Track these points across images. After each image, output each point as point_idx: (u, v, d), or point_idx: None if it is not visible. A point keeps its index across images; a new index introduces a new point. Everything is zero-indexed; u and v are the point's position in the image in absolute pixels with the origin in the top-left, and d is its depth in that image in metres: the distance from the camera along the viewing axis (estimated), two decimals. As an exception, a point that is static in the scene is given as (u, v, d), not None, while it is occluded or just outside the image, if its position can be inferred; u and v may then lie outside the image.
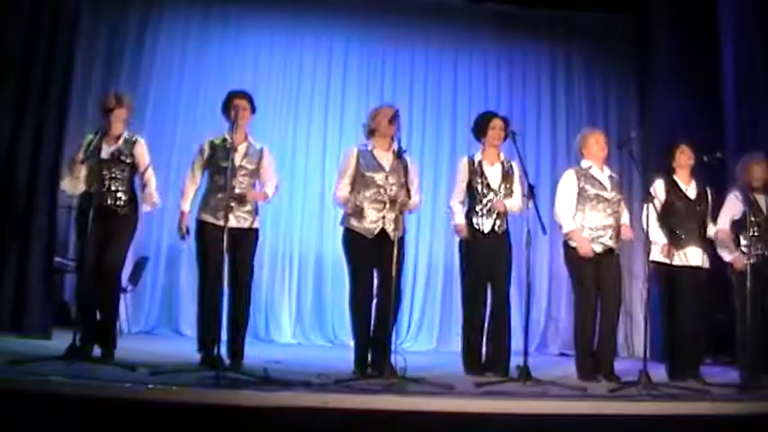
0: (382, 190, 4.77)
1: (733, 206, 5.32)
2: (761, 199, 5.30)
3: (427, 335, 8.03)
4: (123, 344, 5.35)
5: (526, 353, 4.42)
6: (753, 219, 5.22)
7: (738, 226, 5.31)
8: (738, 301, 5.16)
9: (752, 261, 5.04)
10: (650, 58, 8.08)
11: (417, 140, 8.25)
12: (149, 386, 3.32)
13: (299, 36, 8.35)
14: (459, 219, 5.15)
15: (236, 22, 8.27)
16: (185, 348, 5.83)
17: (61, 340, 4.64)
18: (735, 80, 6.87)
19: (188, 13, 8.29)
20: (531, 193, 4.61)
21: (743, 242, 5.25)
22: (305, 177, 8.14)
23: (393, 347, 4.08)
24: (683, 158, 5.37)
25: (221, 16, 8.26)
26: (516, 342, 5.85)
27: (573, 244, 5.05)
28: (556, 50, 8.81)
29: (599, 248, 5.01)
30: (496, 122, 5.21)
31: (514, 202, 5.19)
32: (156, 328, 7.63)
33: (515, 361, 4.49)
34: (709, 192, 5.43)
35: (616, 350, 5.28)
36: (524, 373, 4.26)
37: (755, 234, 5.18)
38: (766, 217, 5.23)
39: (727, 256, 5.30)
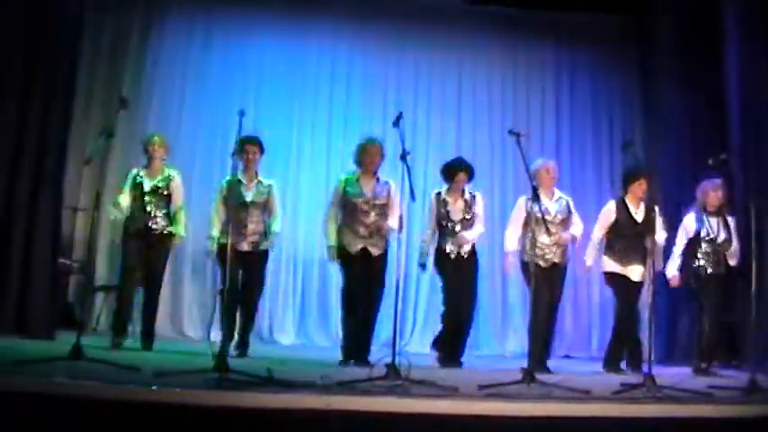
0: (364, 213, 5.58)
1: (689, 223, 6.07)
2: (713, 221, 6.00)
3: (431, 337, 8.00)
4: (127, 345, 5.36)
5: (530, 355, 4.43)
6: (704, 238, 5.98)
7: (692, 244, 6.04)
8: (696, 305, 6.07)
9: (703, 273, 5.96)
10: (653, 58, 8.07)
11: (422, 144, 8.25)
12: (153, 387, 3.31)
13: (303, 40, 8.36)
14: (426, 253, 5.99)
15: (240, 26, 8.28)
16: (189, 350, 5.86)
17: (65, 341, 4.65)
18: (738, 80, 6.86)
19: (191, 16, 8.31)
20: (535, 194, 4.71)
21: (697, 258, 6.00)
22: (309, 181, 8.14)
23: (398, 349, 4.09)
24: (639, 190, 6.02)
25: (225, 20, 8.27)
26: (521, 344, 5.84)
27: (527, 260, 5.70)
28: (559, 52, 8.81)
29: (545, 263, 5.78)
30: (461, 176, 6.00)
31: (476, 232, 6.01)
32: (161, 330, 7.62)
33: (519, 363, 4.48)
34: (656, 214, 5.88)
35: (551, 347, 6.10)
36: (528, 375, 4.25)
37: (706, 252, 5.97)
38: (716, 237, 5.94)
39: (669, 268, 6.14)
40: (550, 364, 5.74)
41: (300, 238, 8.08)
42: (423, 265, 6.03)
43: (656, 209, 5.84)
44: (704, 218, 6.01)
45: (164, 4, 8.27)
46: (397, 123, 4.73)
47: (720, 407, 3.83)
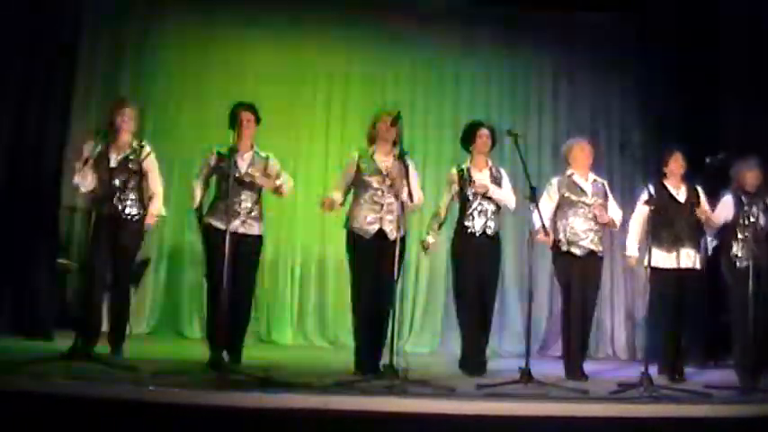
0: (380, 192, 4.92)
1: (726, 209, 5.49)
2: (753, 204, 5.42)
3: (429, 336, 8.02)
4: (125, 345, 5.36)
5: (528, 354, 4.43)
6: (743, 223, 5.39)
7: (730, 230, 5.47)
8: (733, 302, 5.36)
9: (742, 264, 5.27)
10: (652, 58, 8.07)
11: (420, 144, 8.23)
12: (151, 387, 3.32)
13: (302, 39, 8.35)
14: (434, 229, 5.37)
15: (238, 26, 8.25)
16: (187, 350, 5.85)
17: (63, 341, 4.66)
18: (737, 79, 6.87)
19: (190, 16, 8.29)
20: (532, 195, 4.67)
21: (733, 247, 5.40)
22: (307, 180, 8.12)
23: (394, 348, 4.09)
24: (676, 166, 5.56)
25: (223, 20, 8.25)
26: (518, 344, 5.84)
27: (560, 248, 5.33)
28: (558, 52, 8.79)
29: (581, 252, 5.30)
30: (483, 131, 5.39)
31: (506, 194, 5.36)
32: (158, 330, 7.63)
33: (517, 363, 4.49)
34: (699, 191, 5.56)
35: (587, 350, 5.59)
36: (526, 374, 4.25)
37: (744, 240, 5.36)
38: (756, 222, 5.36)
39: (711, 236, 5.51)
40: (548, 365, 5.71)
41: (298, 238, 8.07)
42: (425, 247, 5.37)
43: (699, 188, 5.52)
44: (743, 201, 5.43)
45: (162, 3, 8.26)
46: (395, 123, 4.73)
47: (717, 407, 3.85)
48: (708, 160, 5.38)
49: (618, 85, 8.73)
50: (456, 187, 5.37)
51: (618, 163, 8.46)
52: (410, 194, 4.54)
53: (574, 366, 5.25)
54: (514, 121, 8.14)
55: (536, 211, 4.87)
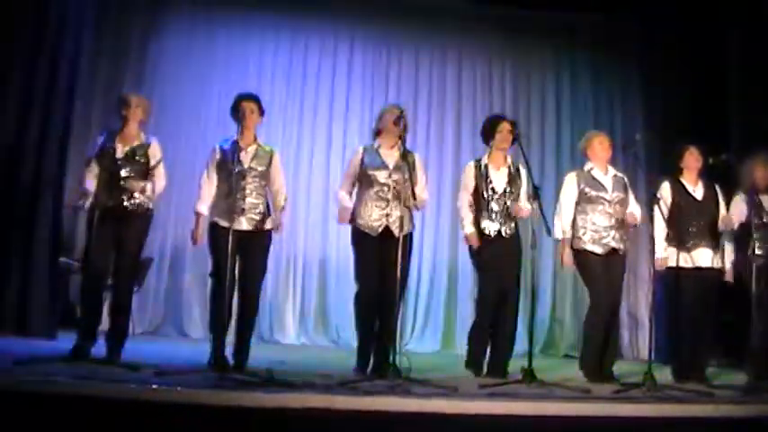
0: (386, 188, 4.79)
1: (738, 208, 5.31)
2: (765, 200, 5.28)
3: (432, 336, 8.01)
4: (127, 345, 5.36)
5: (531, 354, 4.42)
6: (757, 221, 5.18)
7: (744, 228, 5.26)
8: (751, 301, 5.07)
9: (758, 263, 4.98)
10: (654, 59, 8.06)
11: (422, 141, 8.25)
12: (153, 387, 3.32)
13: (304, 38, 8.36)
14: (469, 228, 5.08)
15: (241, 24, 8.26)
16: (190, 349, 5.86)
17: (66, 341, 4.66)
18: (739, 79, 6.86)
19: (192, 15, 8.29)
20: (535, 194, 4.63)
21: (750, 246, 5.14)
22: (309, 178, 8.14)
23: (398, 348, 4.08)
24: (691, 160, 5.39)
25: (225, 19, 8.26)
26: (521, 344, 5.82)
27: (580, 247, 5.08)
28: (560, 52, 8.80)
29: (603, 250, 5.04)
30: (504, 126, 5.17)
31: (524, 206, 5.14)
32: (161, 329, 7.64)
33: (520, 363, 4.49)
34: (717, 189, 5.43)
35: (617, 351, 5.33)
36: (529, 374, 4.25)
37: (760, 238, 5.11)
38: None
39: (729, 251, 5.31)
40: (550, 365, 5.68)
41: (300, 235, 8.07)
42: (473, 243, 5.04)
43: (717, 186, 5.34)
44: (756, 199, 5.21)
45: (165, 3, 8.26)
46: (398, 122, 4.72)
47: (721, 406, 3.83)
48: (711, 161, 5.36)
49: (619, 85, 8.73)
50: (472, 184, 5.14)
51: (621, 164, 8.46)
52: (413, 194, 4.56)
53: (593, 370, 5.00)
54: (517, 121, 8.12)
55: (558, 215, 5.00)
